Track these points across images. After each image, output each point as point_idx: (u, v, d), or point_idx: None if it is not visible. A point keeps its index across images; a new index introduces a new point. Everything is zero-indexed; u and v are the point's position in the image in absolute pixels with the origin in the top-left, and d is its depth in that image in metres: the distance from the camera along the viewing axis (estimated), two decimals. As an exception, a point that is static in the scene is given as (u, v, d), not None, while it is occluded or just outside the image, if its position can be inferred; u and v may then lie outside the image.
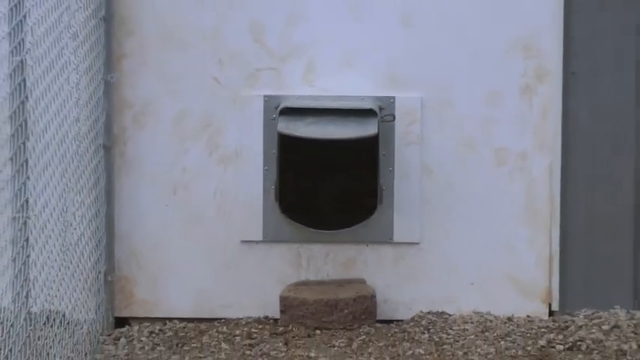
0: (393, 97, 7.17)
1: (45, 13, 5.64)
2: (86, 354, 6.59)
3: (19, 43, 5.12)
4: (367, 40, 7.21)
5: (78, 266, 6.43)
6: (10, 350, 4.97)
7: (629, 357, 6.67)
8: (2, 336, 4.91)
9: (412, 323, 7.15)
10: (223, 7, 7.20)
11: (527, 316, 7.21)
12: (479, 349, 6.82)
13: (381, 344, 6.88)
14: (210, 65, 7.22)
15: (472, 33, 7.19)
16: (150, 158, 7.28)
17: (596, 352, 6.75)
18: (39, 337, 5.42)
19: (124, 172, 7.26)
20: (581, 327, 7.04)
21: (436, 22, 7.19)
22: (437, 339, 6.95)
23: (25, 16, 5.18)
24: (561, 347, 6.81)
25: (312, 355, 6.75)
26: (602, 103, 7.23)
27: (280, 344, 6.90)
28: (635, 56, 7.20)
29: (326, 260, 7.26)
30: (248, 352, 6.80)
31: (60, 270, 5.97)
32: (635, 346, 6.77)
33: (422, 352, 6.78)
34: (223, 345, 6.92)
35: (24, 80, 5.15)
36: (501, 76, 7.21)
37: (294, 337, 6.99)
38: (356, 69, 7.23)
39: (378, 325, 7.13)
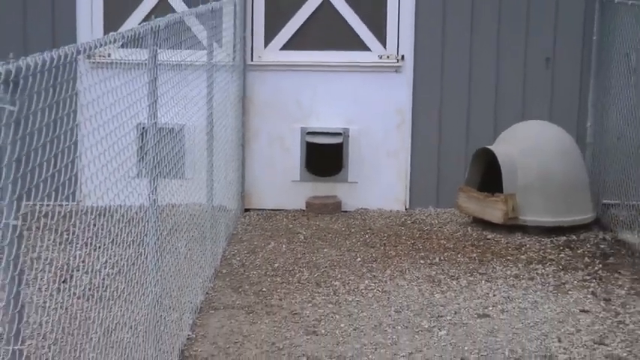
0: (348, 128, 7.17)
1: (220, 96, 5.75)
2: (234, 221, 6.68)
3: (211, 106, 5.24)
4: (340, 107, 7.18)
5: (230, 188, 6.53)
6: (206, 221, 5.11)
7: (435, 226, 6.69)
8: (201, 215, 5.03)
9: (354, 212, 7.14)
10: (287, 93, 7.18)
11: (397, 210, 7.18)
12: (378, 222, 6.87)
13: (342, 220, 6.94)
14: (282, 115, 7.22)
15: (380, 105, 7.15)
16: (258, 150, 7.27)
17: (420, 223, 6.79)
18: (216, 216, 5.52)
19: (248, 156, 7.28)
20: (417, 215, 7.06)
21: (368, 100, 7.15)
22: (363, 219, 6.97)
23: (212, 97, 5.29)
24: (410, 222, 6.86)
25: (318, 223, 6.79)
26: (429, 131, 7.16)
27: (305, 219, 6.95)
28: (437, 116, 7.10)
29: (324, 188, 7.23)
30: (293, 222, 6.88)
31: (223, 189, 6.07)
32: (436, 222, 6.82)
33: (357, 223, 6.83)
34: (284, 219, 6.98)
35: (212, 120, 5.28)
36: (389, 122, 7.19)
37: (310, 217, 7.02)
38: (335, 117, 7.18)
39: (342, 213, 7.13)
